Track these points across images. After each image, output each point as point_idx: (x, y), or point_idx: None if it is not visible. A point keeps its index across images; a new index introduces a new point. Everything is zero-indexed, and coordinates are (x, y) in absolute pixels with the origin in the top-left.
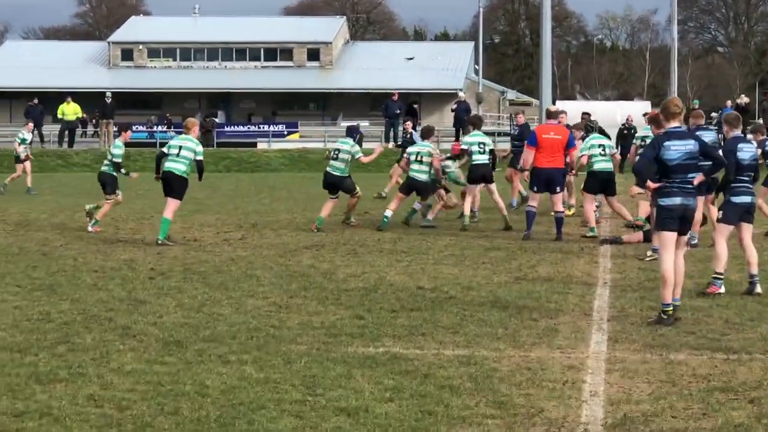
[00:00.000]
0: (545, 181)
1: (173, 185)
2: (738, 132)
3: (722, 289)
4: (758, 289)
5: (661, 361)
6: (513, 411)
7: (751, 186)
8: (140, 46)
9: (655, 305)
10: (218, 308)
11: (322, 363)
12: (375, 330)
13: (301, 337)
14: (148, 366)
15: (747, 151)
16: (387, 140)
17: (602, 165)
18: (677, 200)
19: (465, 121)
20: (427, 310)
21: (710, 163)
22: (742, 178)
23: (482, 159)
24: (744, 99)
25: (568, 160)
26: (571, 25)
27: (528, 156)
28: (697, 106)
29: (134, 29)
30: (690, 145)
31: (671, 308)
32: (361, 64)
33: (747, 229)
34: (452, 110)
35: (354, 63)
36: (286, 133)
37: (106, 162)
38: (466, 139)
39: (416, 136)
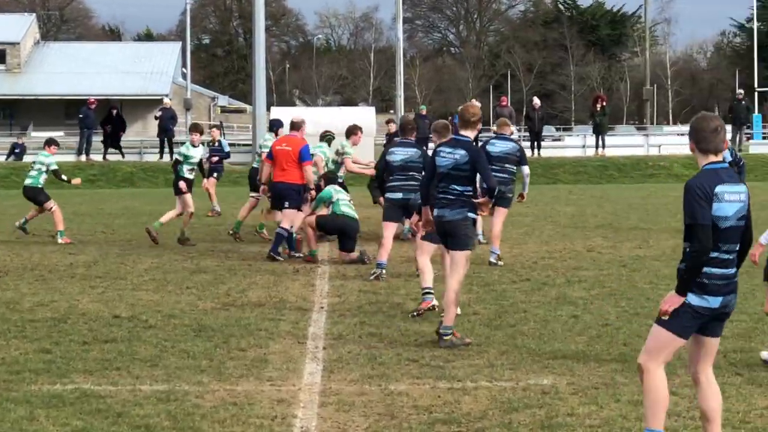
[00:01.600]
0: (277, 196)
1: None
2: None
3: (435, 302)
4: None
5: (380, 392)
6: None
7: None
8: None
9: (375, 331)
10: None
11: (1, 404)
12: (63, 365)
13: None
14: None
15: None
16: (80, 153)
17: None
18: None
19: (171, 130)
20: (123, 341)
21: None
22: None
23: None
24: (474, 103)
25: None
26: (289, 24)
27: (264, 169)
28: (424, 111)
29: None
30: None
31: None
32: (54, 67)
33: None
34: (156, 118)
35: (46, 66)
36: None
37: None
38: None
39: (225, 144)
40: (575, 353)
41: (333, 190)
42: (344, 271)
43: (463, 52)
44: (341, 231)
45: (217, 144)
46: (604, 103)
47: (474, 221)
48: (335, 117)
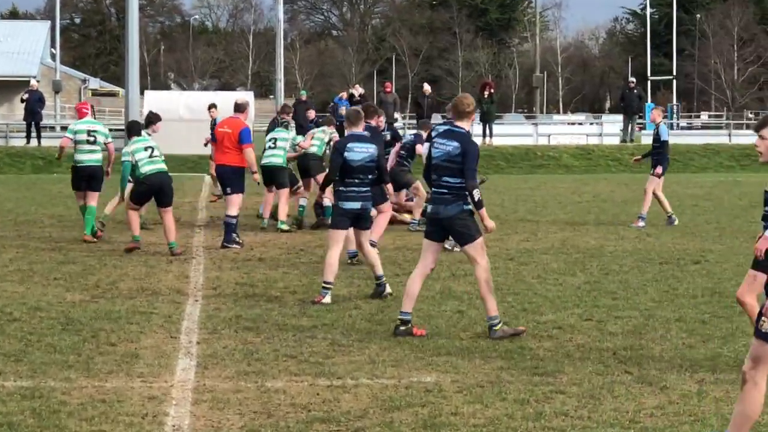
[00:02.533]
0: (219, 178)
1: None
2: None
3: (327, 299)
4: (388, 289)
5: (257, 389)
6: None
7: (360, 190)
8: None
9: (252, 325)
10: None
11: None
12: None
13: None
14: None
15: (358, 152)
16: None
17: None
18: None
19: (38, 113)
20: None
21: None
22: (352, 180)
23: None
24: (358, 89)
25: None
26: (165, 3)
27: (214, 153)
28: (305, 97)
29: None
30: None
31: None
32: None
33: (364, 235)
34: (23, 100)
35: None
36: None
37: None
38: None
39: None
40: (460, 350)
41: None
42: (220, 262)
43: (347, 35)
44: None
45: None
46: (492, 91)
47: (470, 212)
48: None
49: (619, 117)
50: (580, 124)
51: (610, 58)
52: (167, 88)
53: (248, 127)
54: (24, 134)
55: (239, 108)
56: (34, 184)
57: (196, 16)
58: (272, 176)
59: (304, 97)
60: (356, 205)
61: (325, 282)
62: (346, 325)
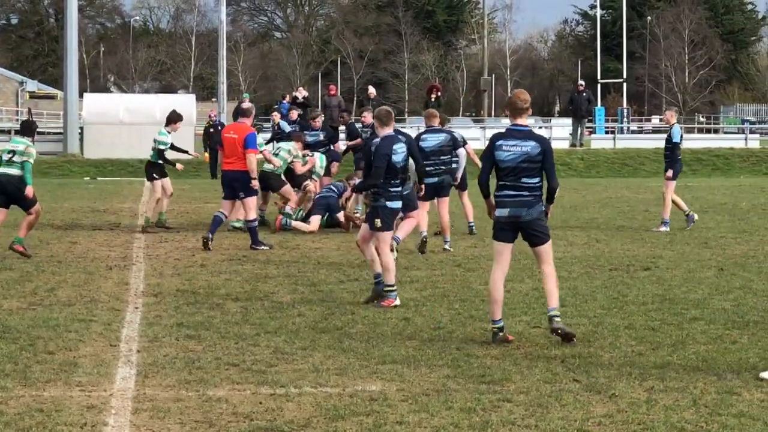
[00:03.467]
0: (228, 184)
1: None
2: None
3: (398, 301)
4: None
5: (198, 398)
6: None
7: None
8: None
9: (193, 333)
10: None
11: None
12: None
13: None
14: None
15: (400, 153)
16: None
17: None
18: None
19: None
20: None
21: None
22: (396, 180)
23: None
24: (301, 91)
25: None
26: (104, 4)
27: (220, 159)
28: (247, 100)
29: None
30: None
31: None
32: None
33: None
34: None
35: None
36: None
37: None
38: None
39: (284, 125)
40: (405, 358)
41: None
42: (161, 268)
43: (291, 37)
44: None
45: (277, 127)
46: (439, 93)
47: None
48: (153, 104)
49: (569, 121)
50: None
51: (560, 60)
52: (107, 90)
53: (254, 132)
54: None
55: (244, 113)
56: None
57: (137, 18)
58: (265, 182)
59: (246, 100)
60: (400, 204)
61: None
62: (289, 332)
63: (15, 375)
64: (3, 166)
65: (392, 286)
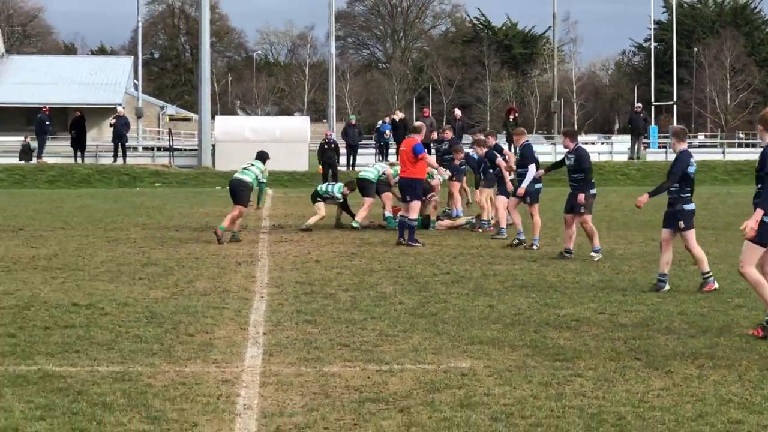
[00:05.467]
0: (402, 190)
1: None
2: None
3: (716, 285)
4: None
5: (315, 373)
6: (166, 426)
7: None
8: None
9: (310, 318)
10: None
11: None
12: (27, 348)
13: None
14: None
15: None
16: (39, 156)
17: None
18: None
19: (124, 135)
20: (82, 326)
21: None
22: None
23: None
24: (398, 114)
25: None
26: (232, 41)
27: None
28: (354, 121)
29: None
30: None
31: None
32: (17, 78)
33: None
34: (111, 125)
35: (9, 77)
36: None
37: None
38: None
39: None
40: (491, 339)
41: None
42: (282, 264)
43: (390, 67)
44: None
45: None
46: (516, 115)
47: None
48: (274, 125)
49: (627, 137)
50: (593, 143)
51: (619, 86)
52: (234, 113)
53: (419, 143)
54: (112, 153)
55: (415, 130)
56: (120, 197)
57: (259, 52)
58: (362, 188)
59: (353, 121)
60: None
61: (705, 274)
62: (391, 318)
63: (161, 354)
64: (239, 173)
65: (707, 272)
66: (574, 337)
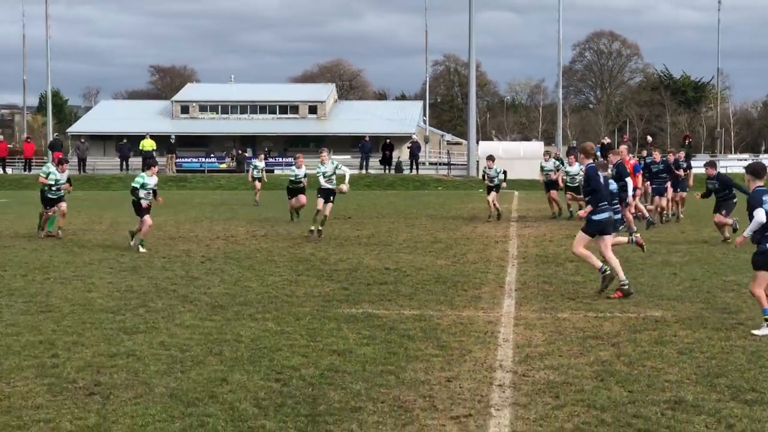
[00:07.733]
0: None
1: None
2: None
3: None
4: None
5: (551, 318)
6: (450, 352)
7: None
8: (194, 104)
9: (547, 280)
10: (248, 282)
11: (320, 320)
12: (356, 297)
13: (305, 303)
14: (201, 322)
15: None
16: (362, 168)
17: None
18: None
19: (417, 155)
20: (392, 283)
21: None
22: None
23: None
24: (606, 139)
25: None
26: (489, 89)
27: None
28: (574, 144)
29: (189, 92)
30: None
31: None
32: (345, 116)
33: None
34: (408, 147)
35: (340, 115)
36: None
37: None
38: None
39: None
40: (675, 296)
41: None
42: (526, 242)
43: (598, 107)
44: None
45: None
46: (690, 140)
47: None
48: (518, 147)
49: None
50: (746, 159)
51: (765, 118)
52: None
53: (638, 164)
54: (408, 166)
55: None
56: (414, 196)
57: (507, 96)
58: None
59: (573, 144)
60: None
61: None
62: (614, 285)
63: (445, 302)
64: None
65: None
66: (736, 297)
